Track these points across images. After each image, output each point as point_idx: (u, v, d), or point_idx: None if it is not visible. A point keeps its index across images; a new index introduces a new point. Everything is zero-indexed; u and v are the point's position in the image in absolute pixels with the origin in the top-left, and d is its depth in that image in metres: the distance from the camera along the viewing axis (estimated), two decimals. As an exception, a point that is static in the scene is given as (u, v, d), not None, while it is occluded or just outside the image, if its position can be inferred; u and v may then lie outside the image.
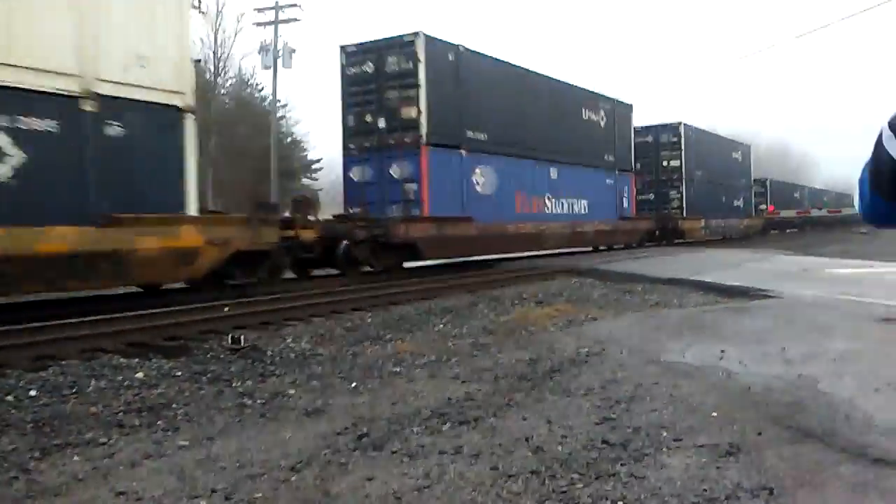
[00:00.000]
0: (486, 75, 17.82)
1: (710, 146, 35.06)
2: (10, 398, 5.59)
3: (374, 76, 16.19)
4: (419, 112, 15.65)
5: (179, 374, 6.58)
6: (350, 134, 16.67)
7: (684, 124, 31.99)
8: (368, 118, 16.24)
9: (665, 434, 4.42)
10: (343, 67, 16.70)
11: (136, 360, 7.06)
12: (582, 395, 5.48)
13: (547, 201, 20.41)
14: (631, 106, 26.01)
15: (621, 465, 3.91)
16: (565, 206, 21.31)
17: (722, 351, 6.75)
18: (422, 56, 15.64)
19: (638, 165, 31.24)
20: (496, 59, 18.71)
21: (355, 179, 16.62)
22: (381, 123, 16.03)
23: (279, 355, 7.45)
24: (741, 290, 11.89)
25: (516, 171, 18.82)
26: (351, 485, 3.74)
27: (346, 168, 16.88)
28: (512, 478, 3.76)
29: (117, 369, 6.66)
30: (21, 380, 6.10)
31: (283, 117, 45.62)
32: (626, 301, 11.49)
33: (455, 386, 5.94)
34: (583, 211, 22.28)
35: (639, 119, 31.95)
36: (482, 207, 17.23)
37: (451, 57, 16.62)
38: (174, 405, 5.54)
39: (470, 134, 17.06)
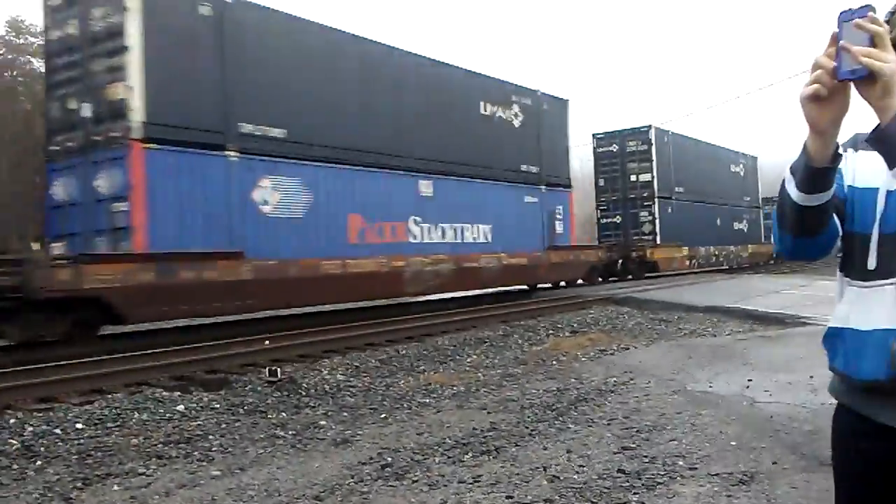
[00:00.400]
0: (287, 44, 12.25)
1: (696, 157, 28.41)
2: (58, 430, 5.90)
3: (78, 39, 10.95)
4: (129, 90, 10.20)
5: (218, 406, 6.84)
6: (53, 129, 11.46)
7: (656, 128, 25.94)
8: (73, 104, 11.01)
9: (681, 463, 4.50)
10: (46, 30, 11.88)
11: (178, 393, 7.34)
12: (605, 425, 5.57)
13: (413, 227, 14.65)
14: (566, 101, 19.96)
15: (634, 493, 4.01)
16: (447, 233, 15.47)
17: (749, 380, 6.77)
18: (133, 1, 10.27)
19: (601, 181, 26.80)
20: (309, 21, 12.99)
21: (56, 198, 11.24)
22: (86, 111, 10.77)
23: (314, 387, 7.68)
24: (777, 317, 11.80)
25: (350, 184, 13.17)
26: (370, 513, 3.91)
27: (48, 181, 11.52)
28: (525, 506, 3.89)
29: (160, 402, 6.94)
30: (69, 413, 6.42)
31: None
32: (661, 330, 11.50)
33: (481, 416, 6.07)
34: (481, 239, 16.36)
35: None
36: (276, 238, 11.74)
37: (203, 10, 11.05)
38: (210, 436, 5.79)
39: (248, 128, 11.51)
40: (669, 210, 26.26)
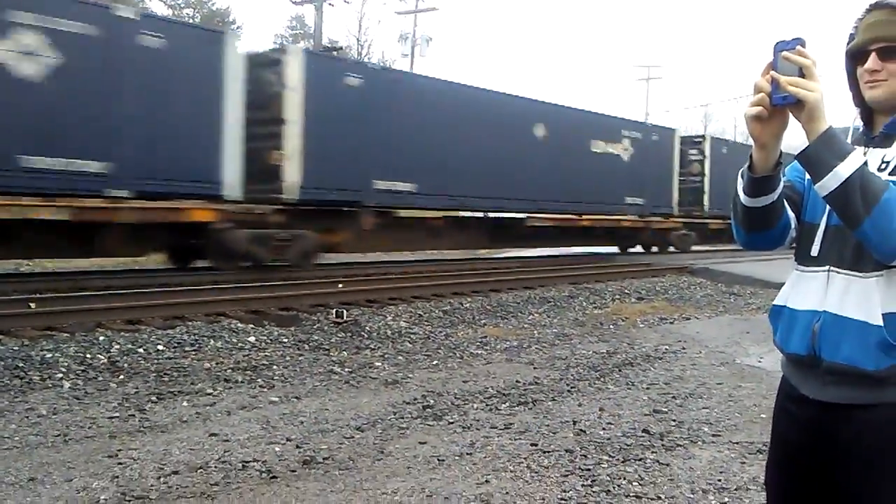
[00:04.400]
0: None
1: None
2: (140, 350, 6.51)
3: None
4: None
5: (286, 340, 7.35)
6: None
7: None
8: None
9: (706, 429, 4.67)
10: None
11: (252, 325, 7.89)
12: (643, 389, 5.76)
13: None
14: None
15: (652, 452, 4.22)
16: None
17: (801, 358, 6.78)
18: None
19: None
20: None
21: None
22: None
23: (377, 331, 8.09)
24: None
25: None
26: (404, 446, 4.27)
27: None
28: (546, 453, 4.16)
29: (234, 332, 7.50)
30: (152, 335, 7.03)
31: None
32: (728, 303, 11.43)
33: (527, 370, 6.35)
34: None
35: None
36: None
37: None
38: (275, 367, 6.28)
39: None
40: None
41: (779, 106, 1.47)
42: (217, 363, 6.32)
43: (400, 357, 6.90)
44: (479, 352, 7.20)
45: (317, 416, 4.83)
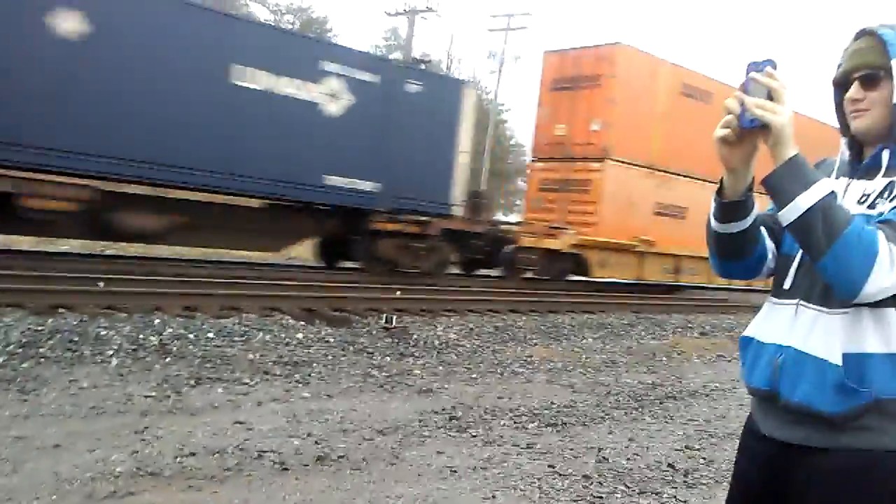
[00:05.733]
0: None
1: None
2: (191, 335, 6.72)
3: None
4: None
5: (331, 340, 7.45)
6: None
7: None
8: None
9: (736, 471, 4.49)
10: None
11: (303, 323, 8.04)
12: (681, 424, 5.59)
13: None
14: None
15: (671, 487, 4.10)
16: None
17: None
18: None
19: None
20: None
21: None
22: None
23: (424, 340, 8.11)
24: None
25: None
26: (420, 454, 4.27)
27: None
28: (562, 476, 4.09)
29: (284, 328, 7.65)
30: (205, 323, 7.25)
31: (504, 121, 47.02)
32: (795, 346, 10.98)
33: (565, 393, 6.26)
34: None
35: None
36: None
37: None
38: (315, 364, 6.38)
39: None
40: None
41: (747, 129, 1.42)
42: (261, 355, 6.46)
43: (440, 367, 6.90)
44: (522, 370, 7.14)
45: (343, 416, 4.88)
